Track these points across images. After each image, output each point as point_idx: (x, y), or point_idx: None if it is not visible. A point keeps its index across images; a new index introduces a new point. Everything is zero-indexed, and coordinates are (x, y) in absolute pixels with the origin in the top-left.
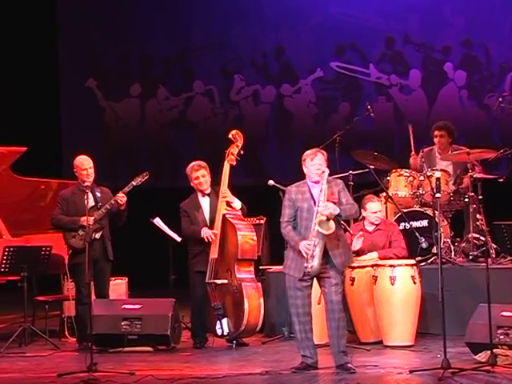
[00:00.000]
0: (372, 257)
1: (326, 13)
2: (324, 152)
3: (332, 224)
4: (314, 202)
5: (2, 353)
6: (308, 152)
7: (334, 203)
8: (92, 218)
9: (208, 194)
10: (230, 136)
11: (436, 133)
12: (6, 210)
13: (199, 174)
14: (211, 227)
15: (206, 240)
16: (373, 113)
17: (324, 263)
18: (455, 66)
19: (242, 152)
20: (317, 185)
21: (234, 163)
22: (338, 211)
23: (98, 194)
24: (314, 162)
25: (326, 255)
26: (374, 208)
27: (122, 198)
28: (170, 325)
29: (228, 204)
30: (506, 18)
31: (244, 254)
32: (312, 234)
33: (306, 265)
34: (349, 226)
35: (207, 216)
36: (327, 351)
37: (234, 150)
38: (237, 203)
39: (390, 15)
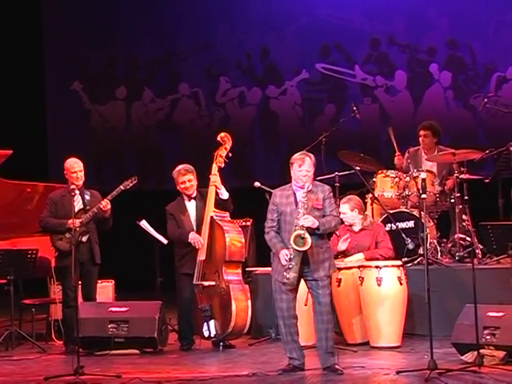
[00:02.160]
0: (358, 258)
1: (311, 14)
2: (312, 155)
3: (308, 240)
4: (297, 205)
5: None
6: (296, 156)
7: (318, 209)
8: (79, 221)
9: (194, 198)
10: (218, 138)
11: (421, 132)
12: None
13: (186, 178)
14: (198, 231)
15: (194, 245)
16: (358, 114)
17: (308, 272)
18: (440, 67)
19: (230, 154)
20: (302, 190)
21: (223, 165)
22: (316, 224)
23: (87, 197)
24: (302, 169)
25: (308, 267)
26: (341, 209)
27: (105, 204)
28: (157, 327)
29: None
30: (490, 19)
31: (232, 255)
32: (290, 245)
33: (284, 274)
34: None
35: (193, 219)
36: (314, 352)
37: (223, 153)
38: (224, 192)
39: (374, 16)
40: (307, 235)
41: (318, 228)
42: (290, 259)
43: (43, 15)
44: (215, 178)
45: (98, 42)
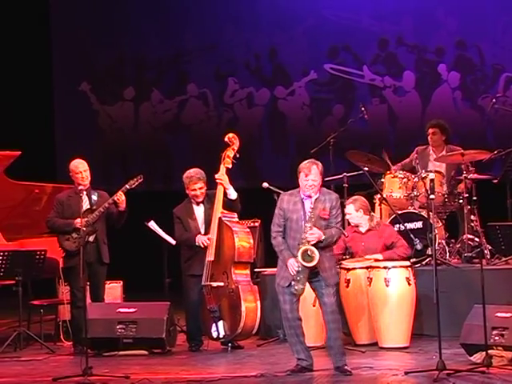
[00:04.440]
0: (377, 257)
1: (319, 15)
2: (319, 163)
3: (316, 256)
4: (304, 214)
5: None
6: (303, 165)
7: (324, 219)
8: (84, 221)
9: (202, 202)
10: (226, 139)
11: (429, 130)
12: (1, 215)
13: (197, 186)
14: (205, 234)
15: (202, 246)
16: (367, 114)
17: (312, 277)
18: (449, 68)
19: (237, 155)
20: (309, 198)
21: (230, 166)
22: (322, 238)
23: (94, 198)
24: (308, 178)
25: (314, 274)
26: (346, 210)
27: (120, 196)
28: (165, 328)
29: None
30: (498, 19)
31: (241, 256)
32: (297, 256)
33: (292, 283)
34: (343, 228)
35: (200, 223)
36: (323, 353)
37: (230, 153)
38: (232, 192)
39: (382, 17)
40: (316, 252)
41: (321, 241)
42: (298, 271)
43: (51, 16)
44: (221, 176)
45: (106, 43)
